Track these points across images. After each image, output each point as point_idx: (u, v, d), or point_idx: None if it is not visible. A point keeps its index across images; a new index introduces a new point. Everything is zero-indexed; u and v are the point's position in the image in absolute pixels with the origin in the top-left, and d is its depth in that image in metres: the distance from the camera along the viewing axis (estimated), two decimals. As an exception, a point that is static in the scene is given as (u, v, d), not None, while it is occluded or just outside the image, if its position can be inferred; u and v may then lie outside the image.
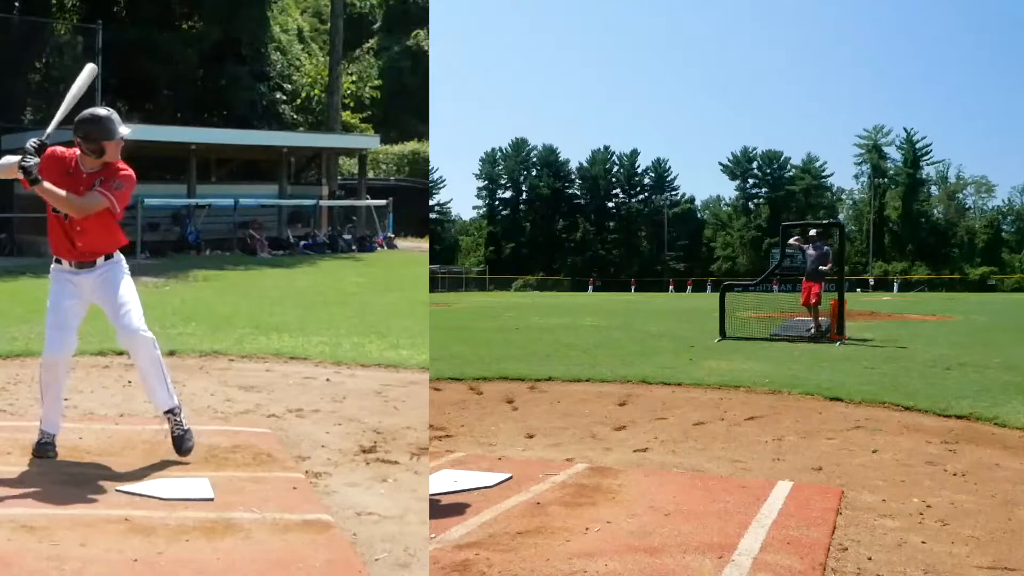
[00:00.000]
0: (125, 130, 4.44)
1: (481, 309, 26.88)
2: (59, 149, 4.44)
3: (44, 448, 4.48)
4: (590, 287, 70.48)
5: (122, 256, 4.63)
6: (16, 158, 4.23)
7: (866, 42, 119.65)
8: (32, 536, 3.42)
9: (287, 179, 28.80)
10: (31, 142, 4.22)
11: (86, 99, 4.58)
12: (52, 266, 4.54)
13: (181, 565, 3.23)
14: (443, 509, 4.03)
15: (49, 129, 4.33)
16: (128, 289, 4.55)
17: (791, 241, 13.98)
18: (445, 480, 4.59)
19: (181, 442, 4.59)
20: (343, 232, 28.31)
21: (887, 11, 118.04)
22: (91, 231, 4.44)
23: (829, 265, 13.68)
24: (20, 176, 4.19)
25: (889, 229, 79.48)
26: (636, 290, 66.28)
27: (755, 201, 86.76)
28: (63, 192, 4.29)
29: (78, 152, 4.43)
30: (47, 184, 4.23)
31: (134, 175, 4.50)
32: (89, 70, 4.65)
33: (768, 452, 5.43)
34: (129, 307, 4.49)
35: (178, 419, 4.61)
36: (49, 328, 4.47)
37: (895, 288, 62.34)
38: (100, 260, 4.51)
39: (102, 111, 4.44)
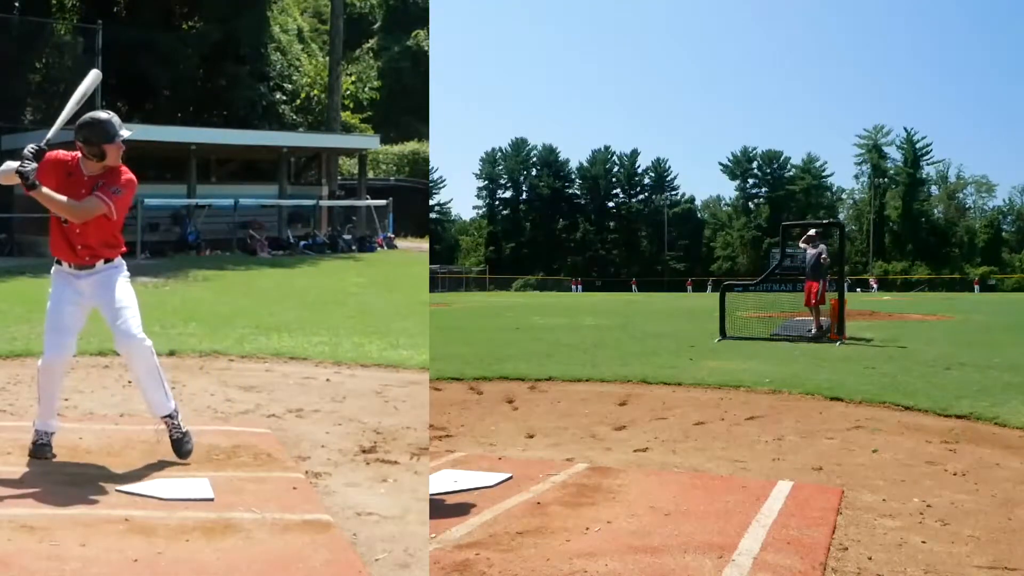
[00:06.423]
0: (126, 133, 4.42)
1: (481, 309, 26.87)
2: (60, 152, 4.43)
3: (42, 449, 4.48)
4: (576, 287, 68.75)
5: (123, 261, 4.61)
6: (15, 164, 4.22)
7: (866, 41, 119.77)
8: (32, 536, 3.42)
9: (287, 179, 28.78)
10: (29, 147, 4.20)
11: (87, 101, 4.58)
12: (53, 267, 4.54)
13: (181, 565, 3.23)
14: (443, 509, 4.03)
15: (49, 134, 4.31)
16: (126, 293, 4.52)
17: (801, 244, 13.88)
18: (445, 480, 4.60)
19: (180, 445, 4.59)
20: (343, 232, 28.30)
21: (887, 11, 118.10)
22: (90, 235, 4.42)
23: (821, 254, 13.55)
24: (19, 181, 4.18)
25: (889, 229, 79.42)
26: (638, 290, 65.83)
27: (755, 201, 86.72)
28: (61, 197, 4.28)
29: (80, 155, 4.41)
30: (45, 190, 4.22)
31: (135, 180, 4.50)
32: (92, 76, 4.62)
33: (768, 452, 5.43)
34: (127, 313, 4.46)
35: (176, 422, 4.61)
36: (49, 331, 4.45)
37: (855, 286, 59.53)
38: (100, 263, 4.49)
39: (103, 114, 4.41)
